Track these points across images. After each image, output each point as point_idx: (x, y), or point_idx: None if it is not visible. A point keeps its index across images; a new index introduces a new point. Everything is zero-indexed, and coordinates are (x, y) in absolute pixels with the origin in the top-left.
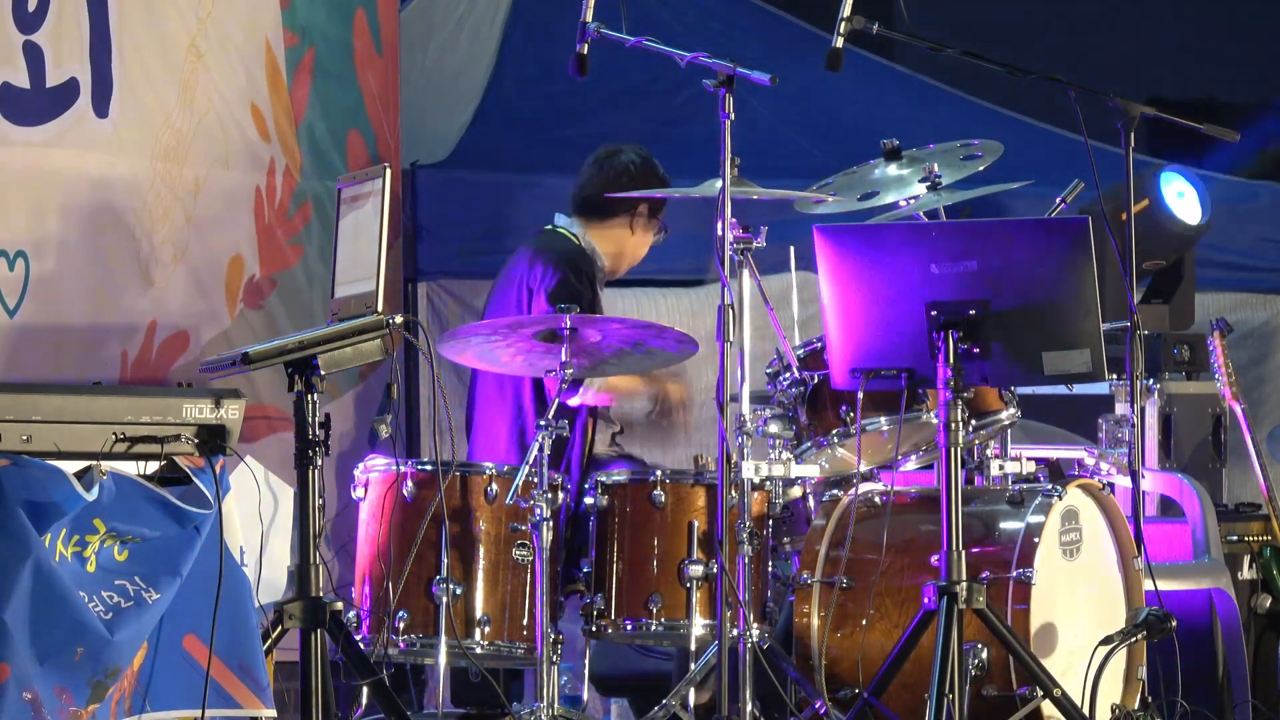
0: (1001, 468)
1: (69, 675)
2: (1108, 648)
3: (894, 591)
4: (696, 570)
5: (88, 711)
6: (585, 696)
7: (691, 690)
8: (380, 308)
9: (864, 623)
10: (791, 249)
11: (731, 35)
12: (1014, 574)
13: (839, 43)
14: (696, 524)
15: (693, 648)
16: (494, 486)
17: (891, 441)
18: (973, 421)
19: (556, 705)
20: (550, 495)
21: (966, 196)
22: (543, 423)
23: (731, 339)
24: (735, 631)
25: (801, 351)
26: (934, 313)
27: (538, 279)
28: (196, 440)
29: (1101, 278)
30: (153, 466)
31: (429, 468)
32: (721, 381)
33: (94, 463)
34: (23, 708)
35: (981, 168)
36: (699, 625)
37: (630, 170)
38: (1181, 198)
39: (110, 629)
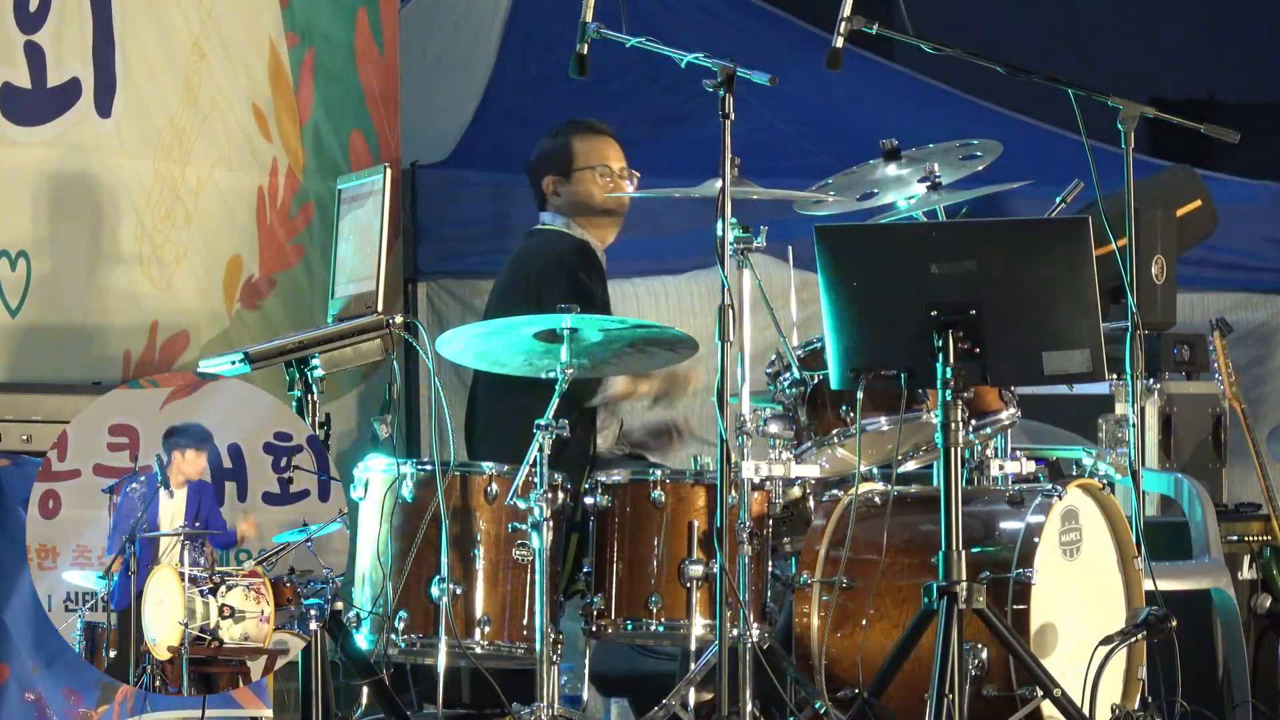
0: (1001, 468)
1: (77, 677)
2: (1108, 648)
3: (894, 591)
4: (696, 570)
5: (97, 713)
6: (585, 696)
7: (691, 690)
8: (380, 308)
9: (864, 623)
10: (790, 249)
11: (731, 35)
12: (1014, 574)
13: (839, 43)
14: (696, 524)
15: (693, 648)
16: (494, 486)
17: (891, 441)
18: (973, 421)
19: (556, 705)
20: (550, 495)
21: (966, 197)
22: (542, 422)
23: (731, 339)
24: (735, 631)
25: (801, 351)
26: (934, 313)
27: (550, 278)
28: None
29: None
30: None
31: (429, 468)
32: (721, 381)
33: None
34: (25, 708)
35: (980, 167)
36: (699, 625)
37: (528, 160)
38: None
39: None
